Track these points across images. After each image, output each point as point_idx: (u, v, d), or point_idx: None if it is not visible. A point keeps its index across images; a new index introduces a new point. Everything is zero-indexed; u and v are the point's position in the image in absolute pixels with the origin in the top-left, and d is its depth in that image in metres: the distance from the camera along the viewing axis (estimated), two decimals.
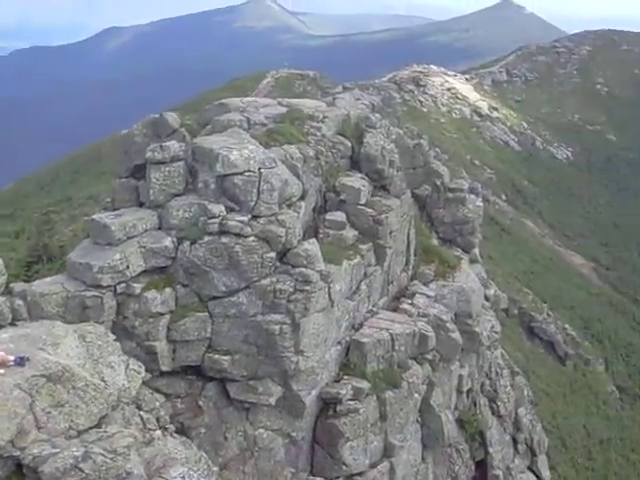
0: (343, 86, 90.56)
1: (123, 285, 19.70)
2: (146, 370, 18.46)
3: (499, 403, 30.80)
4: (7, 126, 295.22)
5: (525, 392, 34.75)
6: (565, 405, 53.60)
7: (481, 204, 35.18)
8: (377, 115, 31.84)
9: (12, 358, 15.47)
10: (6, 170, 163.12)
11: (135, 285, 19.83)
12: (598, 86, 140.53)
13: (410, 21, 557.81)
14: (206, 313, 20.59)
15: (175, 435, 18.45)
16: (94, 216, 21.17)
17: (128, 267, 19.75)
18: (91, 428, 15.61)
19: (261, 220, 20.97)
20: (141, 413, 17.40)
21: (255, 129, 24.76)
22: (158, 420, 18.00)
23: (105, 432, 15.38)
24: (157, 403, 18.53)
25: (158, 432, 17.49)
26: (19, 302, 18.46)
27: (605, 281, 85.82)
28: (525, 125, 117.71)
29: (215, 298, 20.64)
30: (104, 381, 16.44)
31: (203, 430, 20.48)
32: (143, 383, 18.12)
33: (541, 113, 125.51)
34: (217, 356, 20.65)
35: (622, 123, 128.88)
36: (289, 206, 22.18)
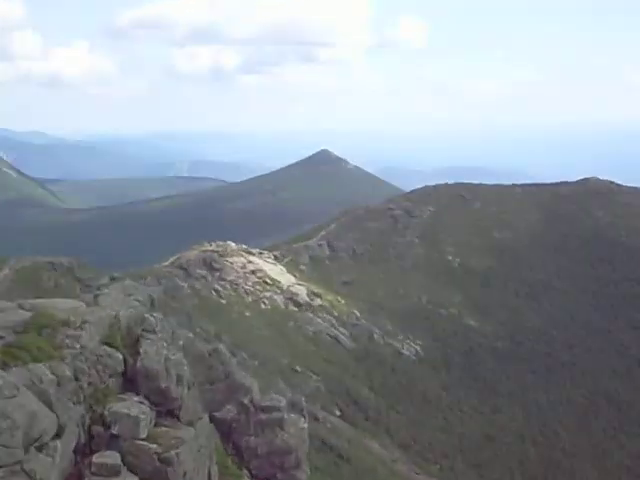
0: (110, 276, 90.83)
1: None
2: None
3: None
4: None
5: None
6: None
7: (306, 425, 35.62)
8: (157, 314, 32.28)
9: None
10: None
11: None
12: (448, 257, 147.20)
13: (198, 184, 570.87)
14: None
15: None
16: None
17: None
18: None
19: (0, 472, 20.57)
20: None
21: None
22: None
23: None
24: None
25: None
26: None
27: None
28: (358, 314, 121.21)
29: None
30: None
31: None
32: None
33: (378, 297, 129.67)
34: None
35: (482, 303, 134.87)
36: (39, 448, 21.90)
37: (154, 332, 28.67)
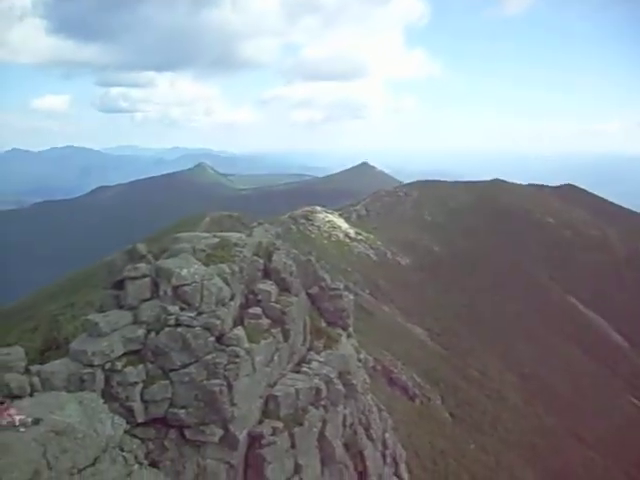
0: (258, 222, 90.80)
1: (109, 364, 19.51)
2: (127, 422, 17.99)
3: (371, 431, 30.61)
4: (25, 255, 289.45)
5: (388, 422, 34.68)
6: (416, 428, 53.58)
7: (352, 297, 35.56)
8: (280, 241, 32.50)
9: (30, 419, 15.16)
10: (25, 284, 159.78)
11: (118, 363, 19.66)
12: (426, 216, 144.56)
13: (300, 177, 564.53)
14: (168, 381, 20.36)
15: (148, 467, 17.92)
16: (89, 316, 20.91)
17: (113, 351, 19.64)
18: (87, 467, 15.18)
19: (204, 315, 21.17)
20: (123, 453, 16.84)
21: (198, 254, 24.98)
22: (136, 457, 17.40)
23: (98, 469, 15.05)
24: (134, 445, 17.92)
25: (136, 466, 16.97)
26: (35, 379, 17.99)
27: (437, 343, 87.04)
28: (379, 243, 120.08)
29: (173, 370, 20.47)
30: (96, 432, 15.97)
31: (168, 463, 19.96)
32: (124, 432, 17.58)
33: (389, 235, 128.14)
34: (176, 410, 20.36)
35: (445, 239, 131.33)
36: (223, 305, 22.38)
37: (279, 249, 28.82)
